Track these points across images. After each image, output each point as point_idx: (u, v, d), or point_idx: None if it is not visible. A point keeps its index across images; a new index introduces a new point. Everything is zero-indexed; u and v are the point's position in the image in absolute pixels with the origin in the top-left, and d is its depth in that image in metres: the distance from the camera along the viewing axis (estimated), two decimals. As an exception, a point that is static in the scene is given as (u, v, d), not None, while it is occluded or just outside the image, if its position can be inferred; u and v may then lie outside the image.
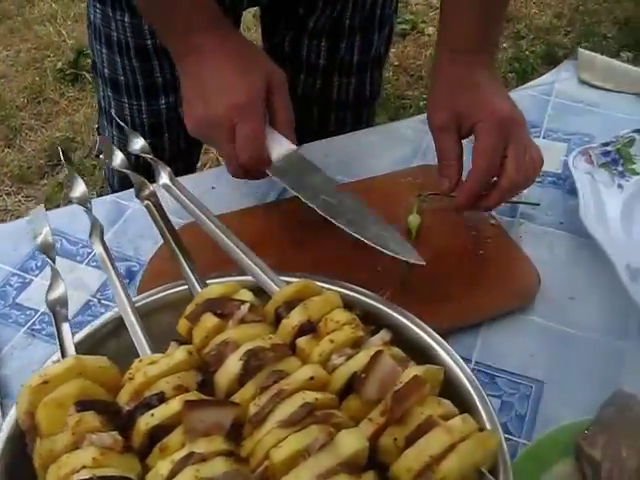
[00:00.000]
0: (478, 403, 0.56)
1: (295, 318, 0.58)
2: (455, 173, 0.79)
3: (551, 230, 0.88)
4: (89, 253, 0.85)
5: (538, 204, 0.90)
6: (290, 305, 0.59)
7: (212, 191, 0.92)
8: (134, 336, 0.60)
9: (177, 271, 0.65)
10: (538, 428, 0.69)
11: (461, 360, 0.59)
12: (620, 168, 0.93)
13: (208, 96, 0.76)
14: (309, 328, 0.57)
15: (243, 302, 0.58)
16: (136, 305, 0.63)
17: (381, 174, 0.93)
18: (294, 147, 0.78)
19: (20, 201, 2.19)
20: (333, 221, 0.73)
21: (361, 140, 1.01)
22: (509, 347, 0.76)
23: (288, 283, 0.62)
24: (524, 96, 1.07)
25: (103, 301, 0.79)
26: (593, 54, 1.14)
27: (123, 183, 1.02)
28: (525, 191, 0.86)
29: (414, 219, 0.85)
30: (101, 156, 0.76)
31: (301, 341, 0.57)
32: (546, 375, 0.73)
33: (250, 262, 0.65)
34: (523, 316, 0.78)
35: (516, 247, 0.84)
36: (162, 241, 0.70)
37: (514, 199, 0.85)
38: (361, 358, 0.54)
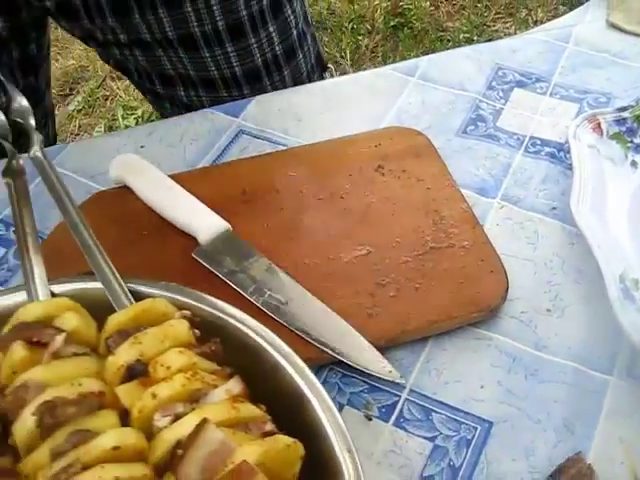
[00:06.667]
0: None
1: (121, 357, 0.44)
2: None
3: (539, 217, 0.71)
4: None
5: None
6: (124, 335, 0.45)
7: (141, 150, 0.78)
8: None
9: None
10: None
11: (334, 408, 0.44)
12: (638, 140, 0.74)
13: None
14: (139, 371, 0.44)
15: (60, 330, 0.45)
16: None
17: (339, 137, 0.77)
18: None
19: None
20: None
21: (326, 92, 0.84)
22: (456, 372, 0.60)
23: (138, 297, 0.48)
24: (533, 41, 0.88)
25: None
26: (630, -10, 0.93)
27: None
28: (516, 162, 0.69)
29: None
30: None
31: (121, 390, 0.43)
32: (497, 413, 0.58)
33: (105, 267, 0.51)
34: (482, 331, 0.62)
35: (484, 240, 0.67)
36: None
37: None
38: (188, 423, 0.40)
